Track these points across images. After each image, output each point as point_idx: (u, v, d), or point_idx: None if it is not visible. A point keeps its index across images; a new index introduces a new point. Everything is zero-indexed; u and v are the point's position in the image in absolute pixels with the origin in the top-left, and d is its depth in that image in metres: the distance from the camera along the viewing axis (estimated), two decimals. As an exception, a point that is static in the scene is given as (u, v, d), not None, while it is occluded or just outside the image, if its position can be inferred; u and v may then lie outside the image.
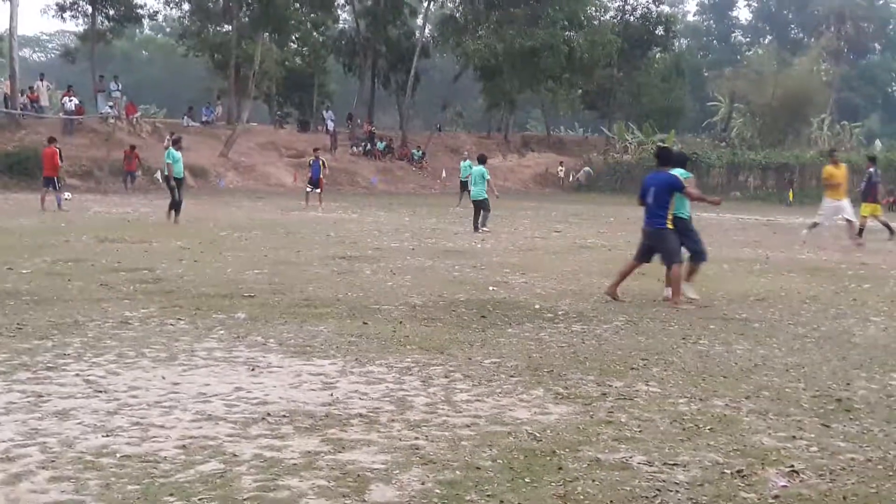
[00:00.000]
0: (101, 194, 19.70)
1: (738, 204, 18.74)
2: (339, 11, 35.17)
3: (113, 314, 5.26)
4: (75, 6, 28.85)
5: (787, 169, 27.87)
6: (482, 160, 13.37)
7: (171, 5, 31.01)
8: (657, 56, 38.80)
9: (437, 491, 2.53)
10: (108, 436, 2.98)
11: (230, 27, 29.14)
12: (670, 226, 6.17)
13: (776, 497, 2.57)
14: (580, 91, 34.96)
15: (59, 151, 15.45)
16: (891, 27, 58.31)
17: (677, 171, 6.37)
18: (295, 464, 2.74)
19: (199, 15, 29.69)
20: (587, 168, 33.32)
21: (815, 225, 11.78)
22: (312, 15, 31.22)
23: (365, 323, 5.20)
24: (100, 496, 2.45)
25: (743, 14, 66.27)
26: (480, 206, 12.78)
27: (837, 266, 9.09)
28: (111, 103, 26.83)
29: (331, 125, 32.47)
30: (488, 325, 5.25)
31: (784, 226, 16.41)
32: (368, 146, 31.70)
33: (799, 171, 27.88)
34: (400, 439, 3.02)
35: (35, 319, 5.04)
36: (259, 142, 29.44)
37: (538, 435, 3.10)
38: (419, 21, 36.62)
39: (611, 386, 3.83)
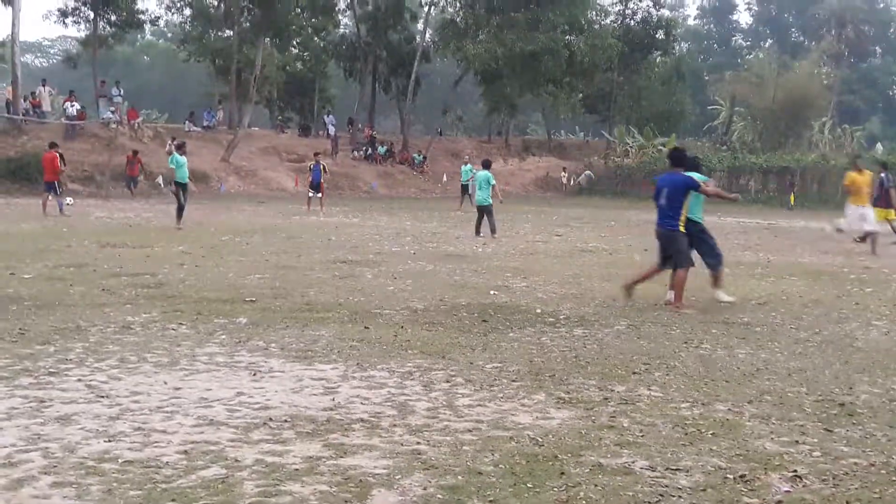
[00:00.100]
0: (102, 199, 19.74)
1: (740, 207, 18.70)
2: (340, 16, 35.30)
3: (115, 319, 5.27)
4: (77, 12, 28.96)
5: (788, 172, 27.85)
6: (487, 165, 13.17)
7: (172, 11, 31.19)
8: (658, 60, 38.84)
9: (439, 496, 2.53)
10: (109, 441, 2.99)
11: (231, 32, 29.25)
12: (682, 229, 6.12)
13: (779, 502, 2.56)
14: (581, 95, 34.99)
15: (61, 156, 15.50)
16: (891, 30, 58.39)
17: (695, 175, 6.32)
18: (297, 469, 2.74)
19: (200, 20, 29.81)
20: (588, 172, 33.35)
21: (839, 231, 11.69)
22: (313, 20, 31.34)
23: (366, 327, 5.20)
24: (102, 502, 2.45)
25: (743, 18, 66.39)
26: (484, 212, 12.74)
27: (839, 270, 9.08)
28: (113, 108, 26.92)
29: (332, 129, 32.54)
30: (490, 329, 5.24)
31: (785, 229, 16.39)
32: (369, 150, 31.75)
33: (800, 175, 27.87)
34: (402, 444, 3.02)
35: (37, 325, 5.04)
36: (260, 146, 29.50)
37: (540, 440, 3.10)
38: (420, 26, 36.76)
39: (613, 390, 3.83)
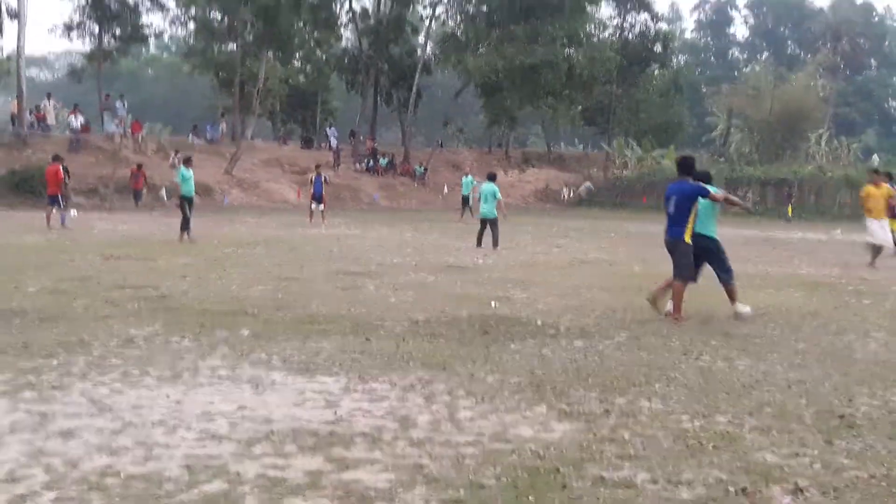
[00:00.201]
0: (106, 212, 19.81)
1: (738, 219, 18.71)
2: (342, 30, 35.64)
3: (118, 332, 5.29)
4: (82, 26, 29.28)
5: (785, 184, 27.92)
6: (492, 178, 12.97)
7: (176, 24, 31.52)
8: (655, 73, 39.15)
9: (441, 509, 2.54)
10: (112, 455, 3.00)
11: (235, 46, 29.50)
12: (688, 239, 6.11)
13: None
14: (580, 107, 35.22)
15: (66, 168, 15.57)
16: (886, 43, 58.85)
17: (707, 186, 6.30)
18: (299, 483, 2.75)
19: (203, 34, 30.08)
20: (587, 183, 33.47)
21: (875, 248, 11.05)
22: (316, 33, 31.61)
23: (368, 339, 5.22)
24: (105, 516, 2.46)
25: (740, 31, 66.97)
26: (489, 224, 12.68)
27: (837, 281, 9.09)
28: (117, 121, 27.10)
29: (334, 142, 32.74)
30: (491, 341, 5.26)
31: (783, 241, 16.40)
32: (371, 162, 31.91)
33: (798, 187, 27.94)
34: (403, 458, 3.03)
35: (40, 338, 5.06)
36: (263, 159, 29.66)
37: (542, 452, 3.10)
38: (421, 39, 37.07)
39: (613, 403, 3.84)
